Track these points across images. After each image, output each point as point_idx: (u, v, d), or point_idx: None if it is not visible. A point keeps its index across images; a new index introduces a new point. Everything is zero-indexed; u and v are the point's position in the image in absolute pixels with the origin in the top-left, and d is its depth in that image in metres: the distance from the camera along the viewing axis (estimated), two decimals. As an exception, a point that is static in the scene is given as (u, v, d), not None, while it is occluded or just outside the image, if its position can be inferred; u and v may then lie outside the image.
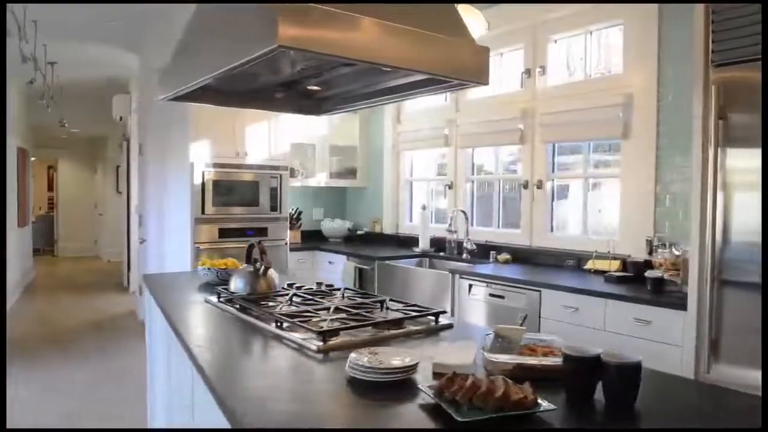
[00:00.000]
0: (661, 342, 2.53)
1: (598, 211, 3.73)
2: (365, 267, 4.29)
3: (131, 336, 5.59)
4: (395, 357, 1.44)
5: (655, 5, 3.23)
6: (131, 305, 7.01)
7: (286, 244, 4.66)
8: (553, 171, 3.91)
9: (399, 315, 1.96)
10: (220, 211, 4.35)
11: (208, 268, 2.77)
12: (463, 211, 4.25)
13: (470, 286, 3.45)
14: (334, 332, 1.71)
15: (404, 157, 5.20)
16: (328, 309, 2.00)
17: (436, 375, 1.44)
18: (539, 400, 1.18)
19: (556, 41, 3.87)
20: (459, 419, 1.11)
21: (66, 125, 8.26)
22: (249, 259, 2.43)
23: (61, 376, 4.36)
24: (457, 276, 3.54)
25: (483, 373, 1.44)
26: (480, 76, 1.88)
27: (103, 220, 11.88)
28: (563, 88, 3.82)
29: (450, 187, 4.61)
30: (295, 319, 1.83)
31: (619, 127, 3.41)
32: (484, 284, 3.38)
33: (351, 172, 5.51)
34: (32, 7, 4.42)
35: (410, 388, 1.35)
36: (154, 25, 5.13)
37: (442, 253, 4.38)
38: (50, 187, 13.34)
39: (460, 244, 4.28)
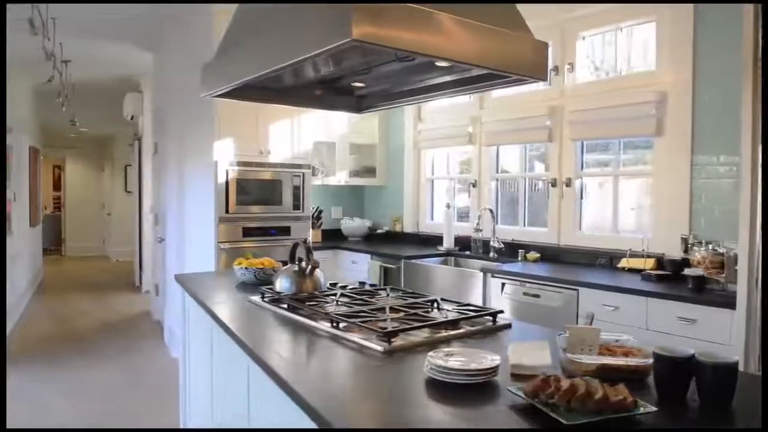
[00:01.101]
0: (707, 341, 2.50)
1: (631, 209, 3.71)
2: (391, 266, 4.26)
3: (148, 336, 5.57)
4: (472, 358, 1.41)
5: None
6: (145, 305, 6.98)
7: (309, 243, 4.62)
8: (581, 169, 3.88)
9: (457, 315, 1.93)
10: (243, 210, 4.32)
11: (246, 268, 2.74)
12: (490, 210, 4.22)
13: (503, 285, 3.42)
14: (396, 333, 1.68)
15: (425, 156, 5.17)
16: (382, 309, 1.97)
17: (515, 376, 1.41)
18: (638, 402, 1.16)
19: (584, 38, 3.84)
20: (565, 422, 1.08)
21: (77, 124, 8.21)
22: (293, 259, 2.40)
23: (85, 377, 4.33)
24: (489, 275, 3.51)
25: (561, 374, 1.42)
26: (539, 72, 1.86)
27: (111, 219, 11.85)
28: (593, 85, 3.79)
29: (474, 186, 4.57)
30: (355, 320, 1.80)
31: (652, 125, 3.38)
32: (518, 283, 3.35)
33: (369, 171, 5.48)
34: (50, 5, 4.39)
35: (492, 390, 1.33)
36: (172, 23, 5.09)
37: (467, 252, 4.35)
38: (55, 187, 13.30)
39: (485, 242, 4.25)
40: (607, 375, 1.33)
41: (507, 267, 3.62)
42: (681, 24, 3.25)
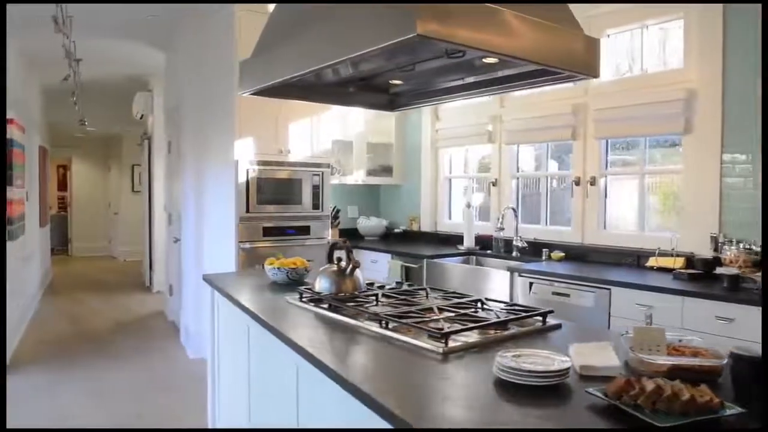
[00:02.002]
0: (747, 340, 2.48)
1: (663, 209, 3.69)
2: (412, 265, 4.24)
3: (163, 337, 5.54)
4: (541, 360, 1.39)
5: (721, -2, 3.18)
6: (157, 305, 6.95)
7: (327, 243, 4.60)
8: (606, 167, 3.86)
9: (508, 315, 1.90)
10: (263, 210, 4.29)
11: (278, 268, 2.72)
12: (513, 209, 4.20)
13: (530, 284, 3.40)
14: (452, 334, 1.66)
15: (442, 155, 5.15)
16: (430, 309, 1.95)
17: (584, 377, 1.39)
18: (724, 403, 1.14)
19: (609, 35, 3.82)
20: (659, 425, 1.06)
21: (86, 124, 8.18)
22: (330, 258, 2.37)
23: (105, 378, 4.30)
24: (516, 274, 3.49)
25: (629, 374, 1.39)
26: (591, 69, 1.84)
27: (118, 219, 11.81)
28: (618, 83, 3.77)
29: (494, 184, 4.55)
30: (408, 320, 1.78)
31: (681, 123, 3.36)
32: (546, 282, 3.33)
33: (386, 170, 5.46)
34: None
35: (564, 391, 1.31)
36: (187, 22, 5.06)
37: (488, 251, 4.33)
38: (60, 187, 13.25)
39: (507, 241, 4.23)
40: (679, 375, 1.30)
41: (533, 266, 3.60)
42: (710, 21, 3.23)
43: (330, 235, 4.70)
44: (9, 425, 3.40)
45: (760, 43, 3.04)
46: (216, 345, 2.94)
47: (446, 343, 1.60)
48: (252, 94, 2.28)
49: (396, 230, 5.38)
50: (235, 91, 4.08)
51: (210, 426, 3.08)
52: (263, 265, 4.17)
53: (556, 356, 1.41)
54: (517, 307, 2.01)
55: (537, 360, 1.39)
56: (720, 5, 3.17)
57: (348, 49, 1.57)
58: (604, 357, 1.44)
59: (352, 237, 5.29)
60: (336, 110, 4.66)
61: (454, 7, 1.44)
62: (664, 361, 1.37)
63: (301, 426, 1.82)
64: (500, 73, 2.08)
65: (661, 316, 2.79)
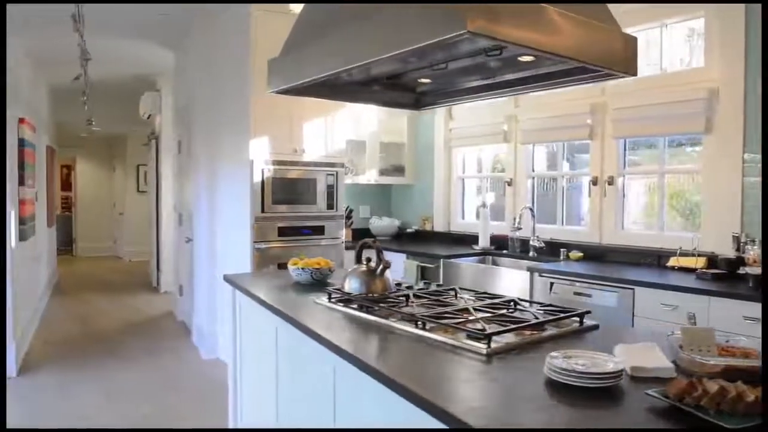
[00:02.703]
0: (777, 341, 2.46)
1: (689, 210, 3.67)
2: (429, 265, 4.23)
3: (174, 337, 5.53)
4: (592, 361, 1.37)
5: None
6: (166, 306, 6.93)
7: (342, 242, 4.59)
8: (624, 167, 3.85)
9: (546, 316, 1.88)
10: (278, 210, 4.28)
11: (302, 268, 2.70)
12: (531, 209, 4.18)
13: (551, 284, 3.38)
14: (492, 335, 1.64)
15: (455, 154, 5.13)
16: (465, 310, 1.93)
17: (635, 379, 1.38)
18: (790, 405, 1.12)
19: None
20: (727, 426, 1.05)
21: (93, 124, 8.16)
22: (359, 259, 2.36)
23: (118, 378, 4.28)
24: (536, 274, 3.48)
25: (680, 375, 1.38)
26: (629, 68, 1.82)
27: (123, 219, 11.79)
28: (638, 82, 3.73)
29: (509, 184, 4.54)
30: (448, 320, 1.76)
31: (701, 122, 3.34)
32: (567, 282, 3.32)
33: (397, 169, 5.44)
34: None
35: (617, 392, 1.30)
36: (199, 22, 5.04)
37: (504, 251, 4.32)
38: (64, 187, 13.22)
39: (523, 241, 4.21)
40: (732, 376, 1.29)
41: (553, 266, 3.58)
42: (732, 20, 3.21)
43: (344, 235, 4.68)
44: (23, 426, 3.39)
45: (760, 43, 3.04)
46: (238, 345, 2.92)
47: (489, 344, 1.59)
48: (280, 92, 2.27)
49: (408, 230, 5.37)
50: (251, 91, 4.06)
51: (231, 425, 3.06)
52: (278, 265, 4.22)
53: (605, 357, 1.40)
54: (552, 308, 2.00)
55: (586, 361, 1.37)
56: (742, 5, 3.16)
57: (395, 46, 1.56)
58: (653, 358, 1.43)
59: (363, 237, 5.25)
60: (349, 109, 4.64)
61: (501, 6, 1.43)
62: (720, 362, 1.35)
63: (338, 426, 1.80)
64: (532, 72, 2.07)
65: (686, 316, 2.77)
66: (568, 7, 1.62)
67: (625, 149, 3.86)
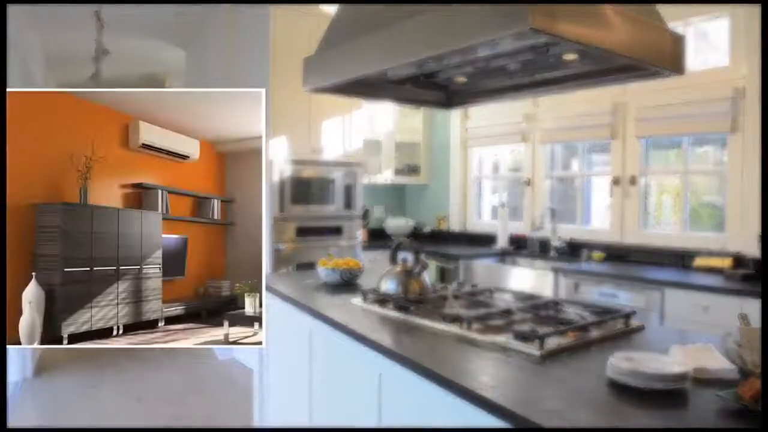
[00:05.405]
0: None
1: (713, 209, 3.66)
2: (448, 266, 4.21)
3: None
4: (654, 363, 1.35)
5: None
6: (177, 305, 6.90)
7: (359, 243, 4.57)
8: (646, 166, 3.83)
9: (593, 317, 1.86)
10: (296, 210, 4.25)
11: (332, 269, 2.68)
12: (552, 209, 4.16)
13: (576, 284, 3.37)
14: (545, 336, 1.63)
15: (472, 154, 5.11)
16: (509, 311, 1.92)
17: (697, 380, 1.36)
18: None
19: (649, 34, 3.78)
20: (815, 430, 1.03)
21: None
22: (394, 259, 2.34)
23: (141, 379, 4.26)
24: (560, 274, 3.46)
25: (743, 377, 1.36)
26: (677, 66, 1.81)
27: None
28: (660, 81, 3.71)
29: (528, 184, 4.52)
30: (498, 321, 1.75)
31: (727, 121, 3.33)
32: (593, 282, 3.30)
33: (412, 169, 5.42)
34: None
35: (683, 394, 1.28)
36: (213, 21, 5.02)
37: (524, 251, 4.30)
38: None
39: (543, 241, 4.19)
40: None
41: (577, 266, 3.57)
42: (758, 19, 3.19)
43: (360, 235, 4.66)
44: (49, 426, 3.37)
45: (760, 43, 3.02)
46: (269, 347, 2.90)
47: (542, 346, 1.57)
48: (317, 91, 2.25)
49: (423, 230, 5.35)
50: (270, 90, 4.04)
51: (256, 425, 3.04)
52: (296, 265, 4.19)
53: (667, 359, 1.38)
54: (593, 308, 1.98)
55: (651, 363, 1.35)
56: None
57: (454, 42, 1.56)
58: (714, 359, 1.41)
59: (379, 237, 5.25)
60: (364, 109, 4.62)
61: (560, 6, 1.42)
62: (786, 363, 1.33)
63: (383, 425, 1.78)
64: (573, 71, 2.05)
65: (719, 318, 2.75)
66: (619, 7, 1.61)
67: (647, 148, 3.84)
